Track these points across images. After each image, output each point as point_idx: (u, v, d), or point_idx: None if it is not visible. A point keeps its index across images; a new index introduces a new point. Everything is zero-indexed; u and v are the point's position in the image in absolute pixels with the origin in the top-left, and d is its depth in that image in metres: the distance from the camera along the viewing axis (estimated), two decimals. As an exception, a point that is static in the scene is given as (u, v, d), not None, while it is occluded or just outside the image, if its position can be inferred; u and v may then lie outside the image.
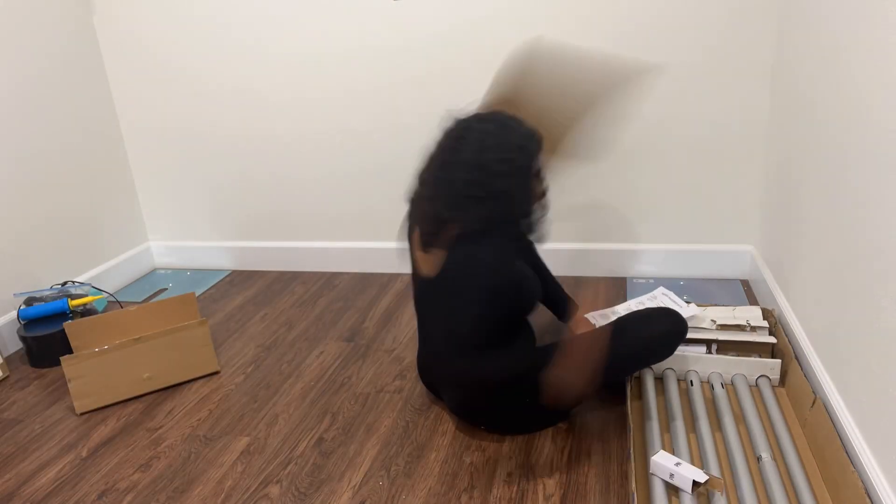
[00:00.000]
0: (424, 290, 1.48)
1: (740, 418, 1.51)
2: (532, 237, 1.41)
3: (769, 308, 1.80)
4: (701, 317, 1.78)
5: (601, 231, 2.31)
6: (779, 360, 1.61)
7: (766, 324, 1.73)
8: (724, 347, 1.71)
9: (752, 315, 1.76)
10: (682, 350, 1.70)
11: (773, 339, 1.67)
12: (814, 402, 1.40)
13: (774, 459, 1.34)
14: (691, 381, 1.62)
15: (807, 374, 1.53)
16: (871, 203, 1.22)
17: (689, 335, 1.71)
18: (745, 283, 2.22)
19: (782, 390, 1.61)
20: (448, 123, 1.39)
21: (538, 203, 1.41)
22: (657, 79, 2.09)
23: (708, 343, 1.71)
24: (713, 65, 2.04)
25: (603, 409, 1.59)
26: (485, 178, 1.30)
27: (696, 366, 1.66)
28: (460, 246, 1.36)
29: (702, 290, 2.18)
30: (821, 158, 1.51)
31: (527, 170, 1.34)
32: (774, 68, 1.98)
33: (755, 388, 1.63)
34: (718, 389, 1.59)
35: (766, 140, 2.08)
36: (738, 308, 1.79)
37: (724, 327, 1.73)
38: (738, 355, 1.67)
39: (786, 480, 1.31)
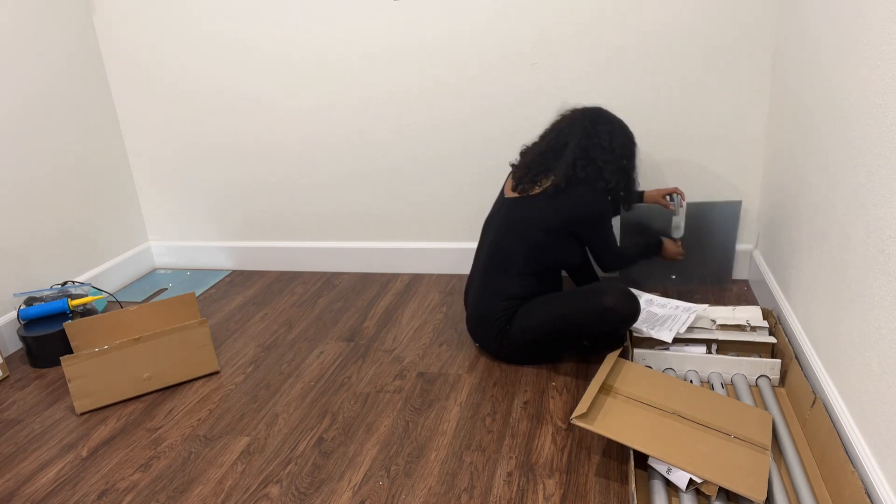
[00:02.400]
0: (510, 212, 1.82)
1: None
2: (624, 205, 1.97)
3: (769, 308, 1.80)
4: (701, 316, 1.77)
5: (601, 231, 2.32)
6: (778, 360, 1.61)
7: (766, 324, 1.73)
8: (724, 347, 1.71)
9: (752, 315, 1.76)
10: (682, 349, 1.70)
11: (773, 339, 1.68)
12: (814, 402, 1.40)
13: (774, 459, 1.34)
14: (691, 381, 1.62)
15: (807, 374, 1.53)
16: (871, 203, 1.22)
17: (689, 335, 1.71)
18: (746, 283, 2.22)
19: (782, 390, 1.61)
20: (568, 111, 1.83)
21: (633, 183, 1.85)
22: (657, 79, 2.09)
23: (708, 343, 1.71)
24: (713, 65, 2.04)
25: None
26: (615, 157, 1.75)
27: (696, 365, 1.66)
28: (564, 184, 1.75)
29: (703, 289, 2.18)
30: (820, 159, 1.51)
31: (634, 155, 1.81)
32: (774, 68, 1.98)
33: (755, 388, 1.63)
34: (718, 389, 1.59)
35: (765, 140, 2.08)
36: (738, 308, 1.79)
37: (724, 327, 1.73)
38: (738, 355, 1.68)
39: (786, 479, 1.31)
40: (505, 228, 1.79)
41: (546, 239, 1.75)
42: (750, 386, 1.63)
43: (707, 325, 1.75)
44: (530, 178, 1.78)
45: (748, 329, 1.73)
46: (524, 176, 1.80)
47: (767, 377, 1.62)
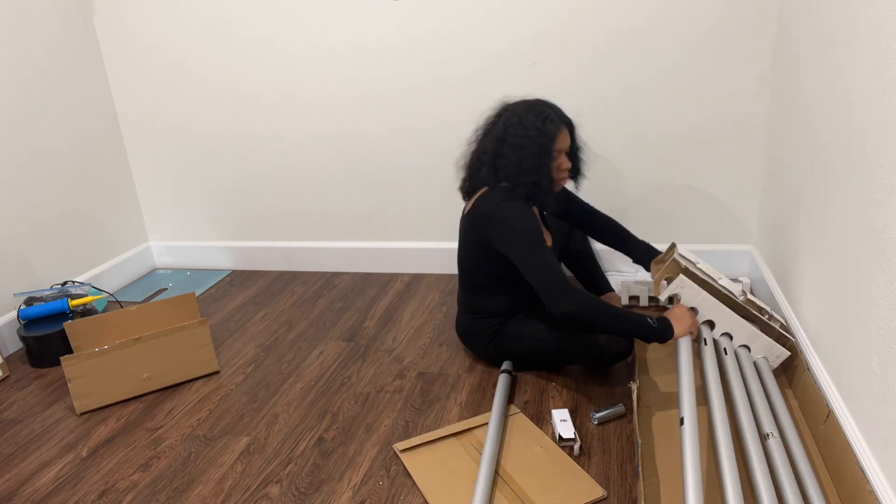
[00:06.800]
0: (462, 226, 1.77)
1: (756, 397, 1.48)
2: (540, 205, 1.67)
3: (787, 336, 1.74)
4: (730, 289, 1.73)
5: (601, 231, 2.31)
6: (789, 353, 1.61)
7: (781, 319, 1.70)
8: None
9: (737, 290, 1.73)
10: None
11: (782, 338, 1.66)
12: (827, 417, 1.37)
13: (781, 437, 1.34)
14: (705, 340, 1.59)
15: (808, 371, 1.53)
16: (871, 203, 1.22)
17: (723, 291, 1.67)
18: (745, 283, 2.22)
19: (790, 393, 1.59)
20: (497, 106, 1.71)
21: (554, 178, 1.65)
22: (656, 79, 2.09)
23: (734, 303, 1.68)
24: (712, 65, 2.04)
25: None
26: (500, 148, 1.63)
27: (717, 317, 1.62)
28: (481, 197, 1.68)
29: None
30: (820, 158, 1.51)
31: (542, 146, 1.60)
32: (773, 68, 1.98)
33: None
34: (723, 355, 1.58)
35: (765, 140, 2.08)
36: (723, 278, 1.74)
37: (749, 303, 1.70)
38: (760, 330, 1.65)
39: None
40: (461, 244, 1.76)
41: (484, 255, 1.68)
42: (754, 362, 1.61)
43: (737, 292, 1.70)
44: (464, 187, 1.74)
45: (766, 318, 1.69)
46: (462, 185, 1.75)
47: (766, 359, 1.61)
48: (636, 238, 1.89)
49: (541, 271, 1.53)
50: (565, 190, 1.90)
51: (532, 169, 1.60)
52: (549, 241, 1.78)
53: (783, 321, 1.72)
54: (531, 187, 1.62)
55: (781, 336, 1.66)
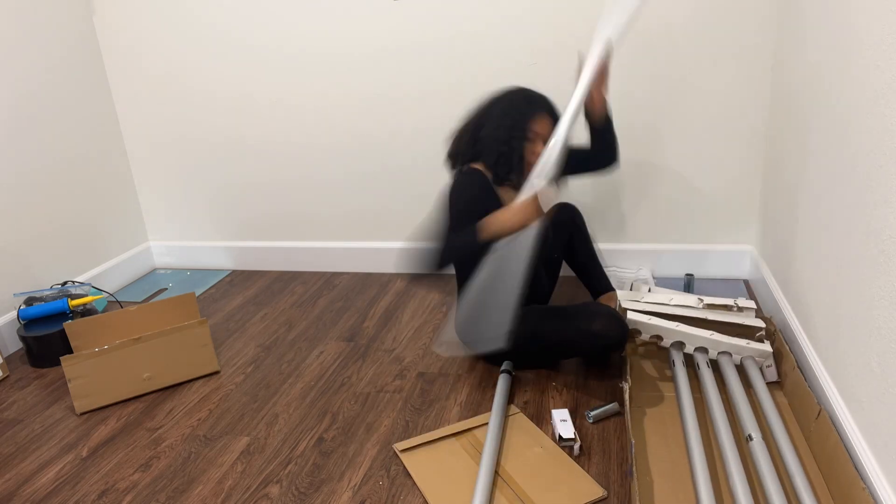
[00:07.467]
0: None
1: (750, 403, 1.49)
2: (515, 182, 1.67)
3: (768, 316, 1.77)
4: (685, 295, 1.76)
5: (601, 231, 2.31)
6: (770, 349, 1.61)
7: (752, 304, 1.70)
8: (712, 329, 1.69)
9: (692, 301, 1.74)
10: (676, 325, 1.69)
11: (761, 323, 1.66)
12: (818, 414, 1.37)
13: (764, 440, 1.34)
14: (672, 361, 1.63)
15: (806, 375, 1.53)
16: (871, 203, 1.22)
17: (678, 312, 1.69)
18: (747, 283, 2.22)
19: (780, 394, 1.59)
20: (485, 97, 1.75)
21: (526, 159, 1.65)
22: (656, 78, 2.09)
23: (695, 322, 1.70)
24: (713, 64, 2.04)
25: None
26: (483, 118, 1.69)
27: (686, 339, 1.64)
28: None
29: (704, 290, 2.18)
30: (821, 158, 1.51)
31: (517, 122, 1.63)
32: (774, 68, 1.98)
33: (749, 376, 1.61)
34: (704, 369, 1.58)
35: (766, 140, 2.08)
36: (674, 297, 1.76)
37: (711, 307, 1.71)
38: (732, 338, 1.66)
39: (791, 499, 1.26)
40: None
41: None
42: (735, 365, 1.62)
43: (694, 303, 1.72)
44: (449, 157, 1.78)
45: (735, 309, 1.70)
46: (447, 157, 1.79)
47: (753, 359, 1.61)
48: (600, 273, 2.01)
49: (443, 235, 1.66)
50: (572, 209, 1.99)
51: (503, 140, 1.63)
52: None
53: (756, 307, 1.72)
54: (498, 158, 1.64)
55: (755, 328, 1.66)
